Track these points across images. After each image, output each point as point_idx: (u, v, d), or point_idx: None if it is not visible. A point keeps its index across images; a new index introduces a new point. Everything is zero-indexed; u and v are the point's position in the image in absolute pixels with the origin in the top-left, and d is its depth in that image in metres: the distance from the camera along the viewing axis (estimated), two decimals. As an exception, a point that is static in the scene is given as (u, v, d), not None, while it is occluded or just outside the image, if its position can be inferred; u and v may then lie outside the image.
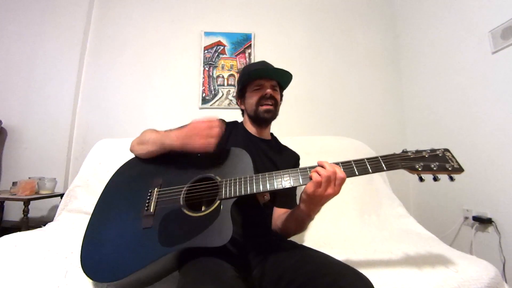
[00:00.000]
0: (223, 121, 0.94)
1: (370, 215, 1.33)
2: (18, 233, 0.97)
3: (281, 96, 1.02)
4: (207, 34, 2.18)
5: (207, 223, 0.64)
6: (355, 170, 0.66)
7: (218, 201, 0.67)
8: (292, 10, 2.27)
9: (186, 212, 0.68)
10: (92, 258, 0.65)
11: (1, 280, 0.68)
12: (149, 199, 0.72)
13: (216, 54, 2.17)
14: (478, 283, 0.74)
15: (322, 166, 0.65)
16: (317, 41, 2.24)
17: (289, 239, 0.89)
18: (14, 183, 1.71)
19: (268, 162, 0.92)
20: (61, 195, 1.62)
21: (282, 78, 0.96)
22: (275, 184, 0.67)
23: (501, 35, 1.37)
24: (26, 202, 1.58)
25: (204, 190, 0.72)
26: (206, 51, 2.16)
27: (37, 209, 1.82)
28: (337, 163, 0.67)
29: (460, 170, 0.64)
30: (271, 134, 1.05)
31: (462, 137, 1.60)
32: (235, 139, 0.92)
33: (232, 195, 0.66)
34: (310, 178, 0.65)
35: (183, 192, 0.72)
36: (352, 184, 1.49)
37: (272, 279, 0.68)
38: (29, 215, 1.61)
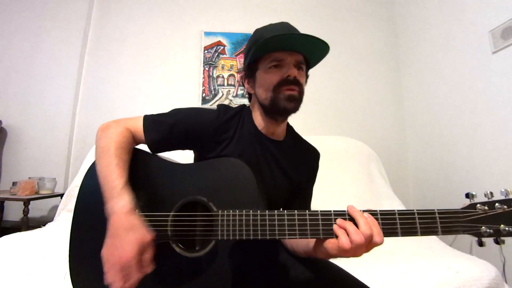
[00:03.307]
0: (223, 114, 0.68)
1: (370, 215, 1.33)
2: (18, 233, 0.97)
3: (307, 77, 0.70)
4: (207, 34, 2.18)
5: (203, 267, 0.56)
6: (399, 230, 0.47)
7: (214, 242, 0.55)
8: (292, 10, 2.26)
9: (177, 249, 0.57)
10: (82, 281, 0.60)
11: (1, 280, 0.68)
12: None
13: (216, 54, 2.17)
14: (479, 283, 0.74)
15: (353, 219, 0.46)
16: (317, 41, 2.24)
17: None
18: (14, 183, 1.70)
19: (279, 174, 0.69)
20: (61, 195, 1.62)
21: (312, 51, 0.64)
22: (287, 232, 0.51)
23: (501, 35, 1.37)
24: (26, 202, 1.58)
25: (197, 221, 0.58)
26: (206, 51, 2.16)
27: (37, 209, 1.82)
28: (374, 214, 0.48)
29: None
30: (288, 127, 0.76)
31: (462, 137, 1.60)
32: (238, 139, 0.68)
33: (231, 238, 0.54)
34: (336, 236, 0.47)
35: (169, 220, 0.59)
36: (353, 184, 1.50)
37: None
38: (29, 215, 1.60)
